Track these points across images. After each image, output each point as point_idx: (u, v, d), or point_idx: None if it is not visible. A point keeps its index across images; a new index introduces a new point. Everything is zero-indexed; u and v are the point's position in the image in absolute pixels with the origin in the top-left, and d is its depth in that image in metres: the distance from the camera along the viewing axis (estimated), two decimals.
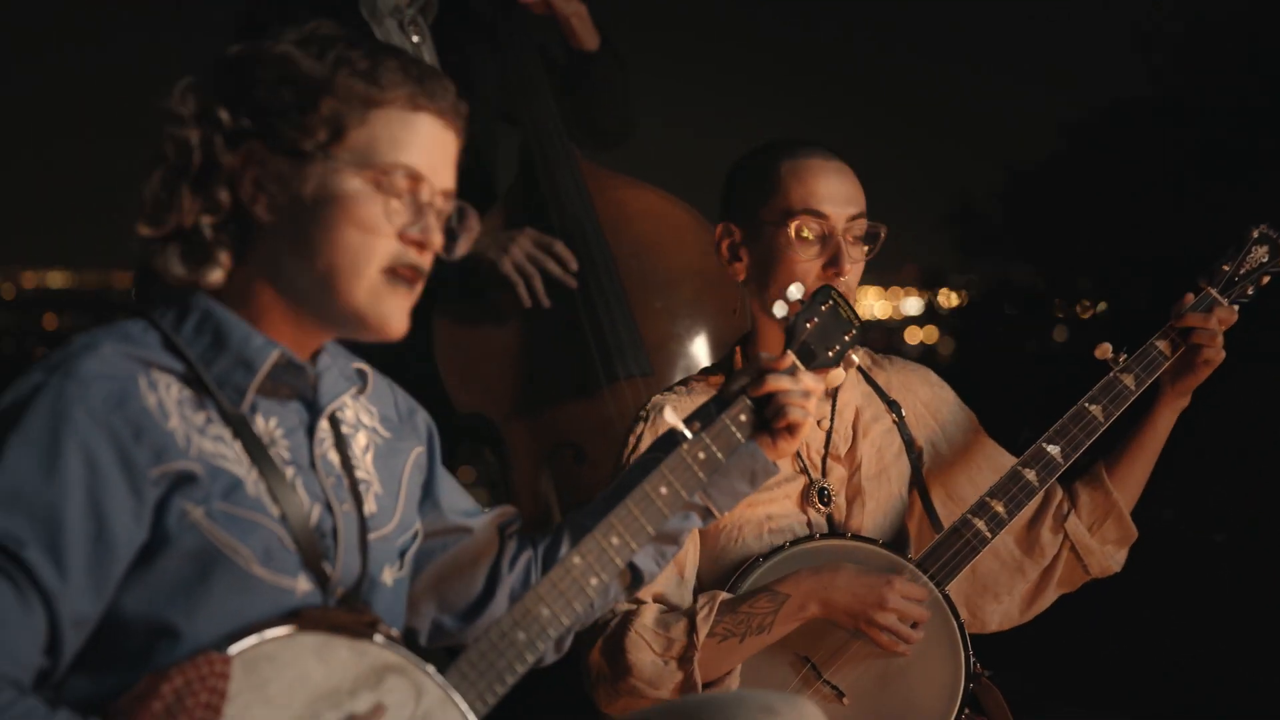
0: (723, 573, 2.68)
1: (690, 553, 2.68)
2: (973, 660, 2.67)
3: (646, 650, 2.56)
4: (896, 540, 2.79)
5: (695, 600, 2.61)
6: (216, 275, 1.94)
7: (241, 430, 1.93)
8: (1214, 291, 2.82)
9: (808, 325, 2.31)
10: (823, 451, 2.77)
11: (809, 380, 2.26)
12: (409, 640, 2.14)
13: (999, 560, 2.87)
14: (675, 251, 3.68)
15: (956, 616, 2.67)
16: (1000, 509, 2.71)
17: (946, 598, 2.67)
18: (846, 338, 2.34)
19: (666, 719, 2.11)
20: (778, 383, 2.24)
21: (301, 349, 2.01)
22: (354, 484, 2.03)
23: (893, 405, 2.85)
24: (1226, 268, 2.83)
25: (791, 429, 2.25)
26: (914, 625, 2.60)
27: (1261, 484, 7.05)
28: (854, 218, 2.69)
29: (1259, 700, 4.74)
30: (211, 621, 1.85)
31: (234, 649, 1.82)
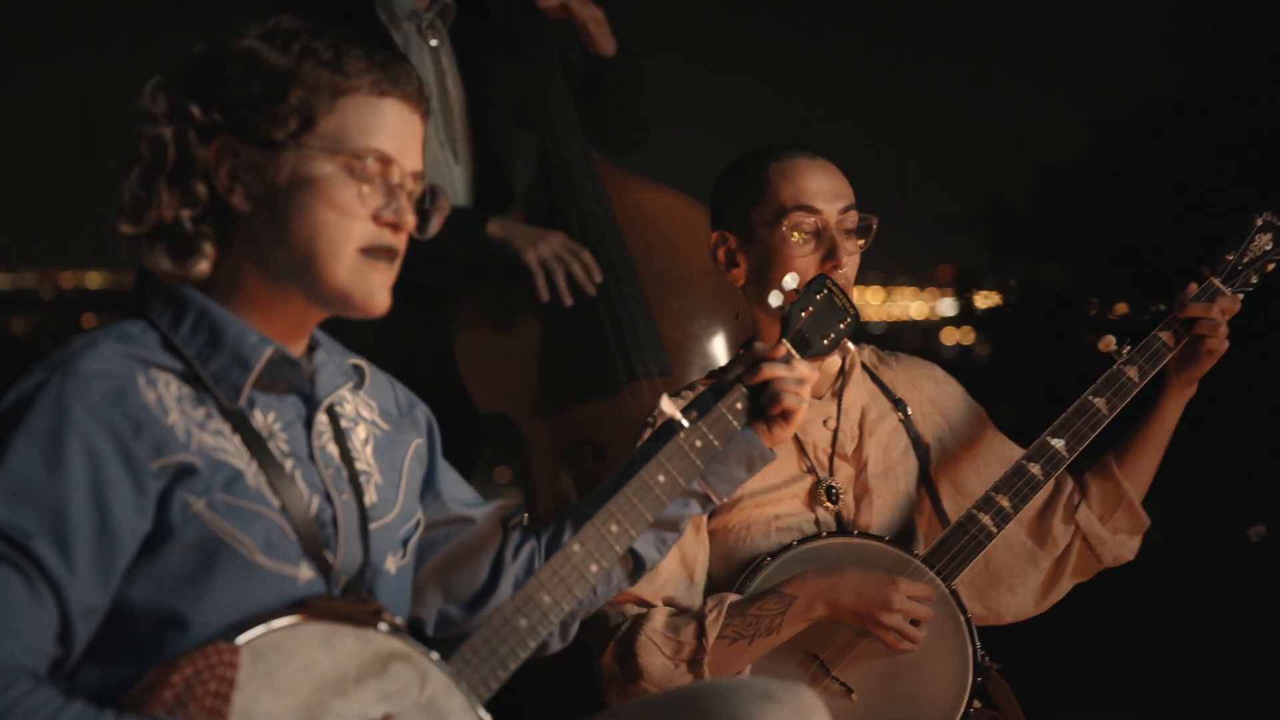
0: (732, 572, 2.71)
1: (700, 556, 2.71)
2: (981, 654, 2.68)
3: (657, 653, 2.59)
4: (904, 537, 2.81)
5: (705, 603, 2.64)
6: (203, 266, 1.99)
7: (240, 424, 1.98)
8: (1217, 281, 2.82)
9: (802, 314, 2.35)
10: (830, 450, 2.79)
11: (803, 368, 2.31)
12: (416, 630, 2.18)
13: (1011, 552, 2.88)
14: (692, 252, 3.70)
15: (964, 611, 2.68)
16: (1005, 503, 2.72)
17: (953, 593, 2.69)
18: (841, 326, 2.38)
19: (670, 706, 2.14)
20: (772, 370, 2.28)
21: (295, 334, 2.06)
22: (353, 475, 2.08)
23: (899, 403, 2.87)
24: (1230, 257, 2.83)
25: (786, 415, 2.30)
26: (919, 624, 2.62)
27: None
28: (845, 210, 2.72)
29: None
30: (218, 610, 1.89)
31: (242, 639, 1.86)
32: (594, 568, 2.14)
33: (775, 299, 2.37)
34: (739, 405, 2.28)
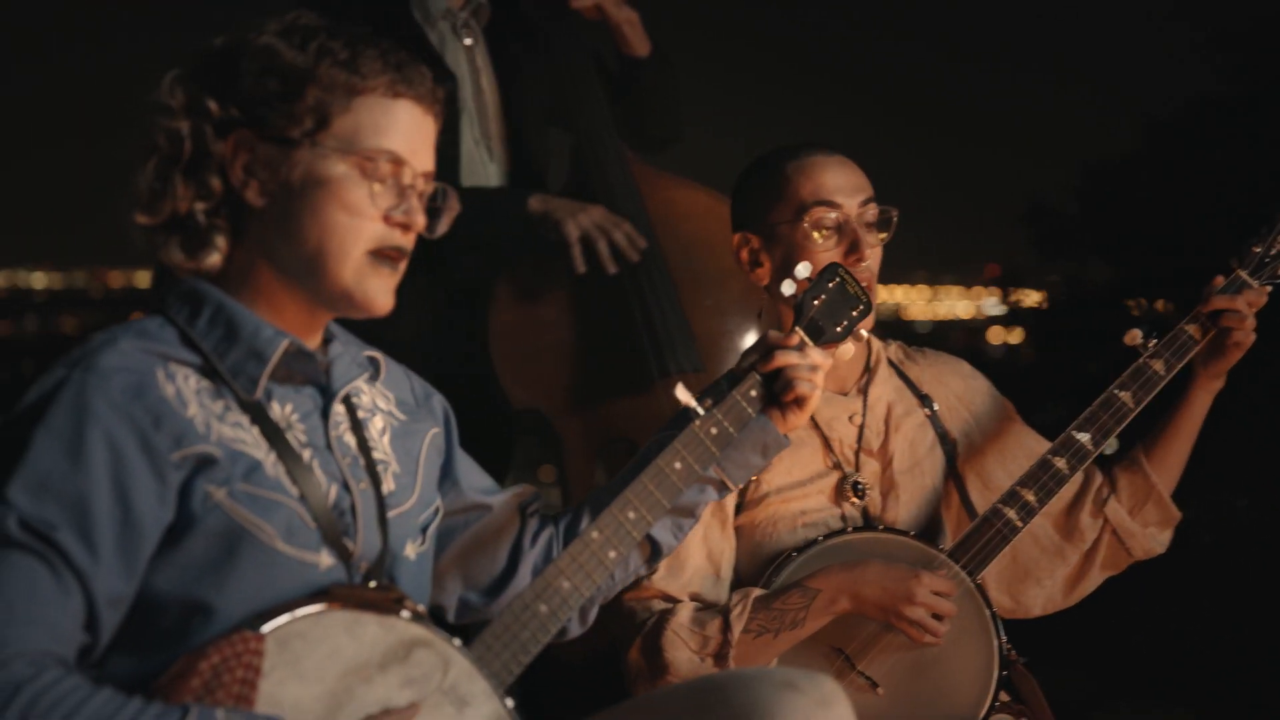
0: (758, 567, 2.72)
1: (726, 552, 2.72)
2: (1007, 647, 2.69)
3: (683, 648, 2.61)
4: (930, 532, 2.81)
5: (730, 597, 2.66)
6: (215, 259, 2.03)
7: (258, 416, 2.01)
8: (1244, 273, 2.81)
9: (815, 302, 2.38)
10: (856, 446, 2.80)
11: (816, 355, 2.34)
12: (437, 617, 2.21)
13: (1039, 546, 2.88)
14: (725, 249, 3.67)
15: (989, 605, 2.68)
16: (1031, 498, 2.71)
17: (979, 587, 2.69)
18: (854, 313, 2.41)
19: (693, 695, 2.15)
20: (785, 358, 2.32)
21: (308, 329, 2.09)
22: (370, 464, 2.11)
23: (925, 399, 2.88)
24: (1257, 249, 2.82)
25: (800, 402, 2.33)
26: (942, 618, 2.62)
27: None
28: (865, 203, 2.73)
29: None
30: (242, 597, 1.92)
31: (267, 627, 1.88)
32: (612, 554, 2.18)
33: (788, 287, 2.39)
34: (753, 392, 2.31)
